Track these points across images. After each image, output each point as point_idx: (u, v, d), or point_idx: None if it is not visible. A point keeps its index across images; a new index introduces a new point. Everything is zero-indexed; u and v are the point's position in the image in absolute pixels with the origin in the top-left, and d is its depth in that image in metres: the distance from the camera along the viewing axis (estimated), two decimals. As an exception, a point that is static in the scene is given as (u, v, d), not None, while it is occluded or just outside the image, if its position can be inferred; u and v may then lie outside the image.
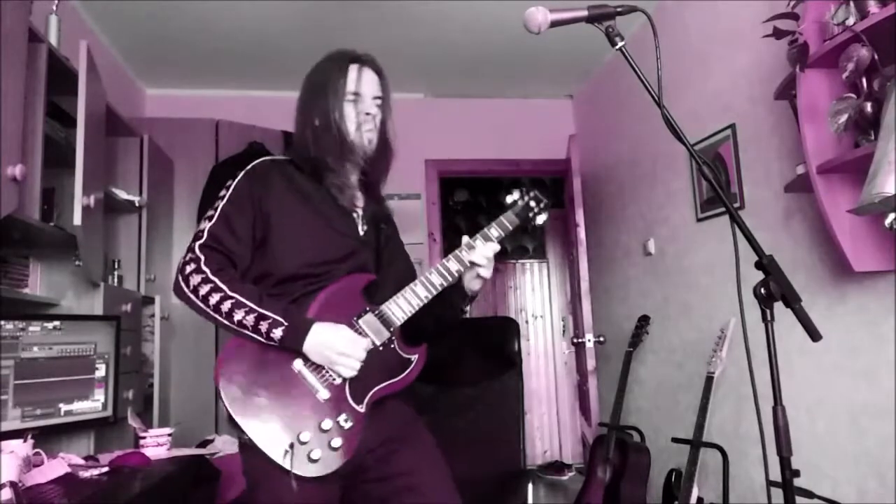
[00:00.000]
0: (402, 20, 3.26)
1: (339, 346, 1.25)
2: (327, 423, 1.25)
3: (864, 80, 1.67)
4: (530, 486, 2.23)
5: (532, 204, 1.53)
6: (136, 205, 2.83)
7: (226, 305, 1.23)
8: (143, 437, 2.07)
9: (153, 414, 2.77)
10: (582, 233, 3.52)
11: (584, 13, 1.14)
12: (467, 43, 3.54)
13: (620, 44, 1.14)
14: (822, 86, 1.84)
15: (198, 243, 1.29)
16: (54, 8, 2.29)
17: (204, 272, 1.25)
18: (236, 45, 3.47)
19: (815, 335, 1.00)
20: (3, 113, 1.68)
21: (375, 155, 1.43)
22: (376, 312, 1.34)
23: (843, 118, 1.67)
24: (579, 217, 3.46)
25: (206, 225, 1.31)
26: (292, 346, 1.25)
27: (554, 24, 1.16)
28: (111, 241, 2.79)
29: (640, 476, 2.81)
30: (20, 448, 1.56)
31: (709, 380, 2.42)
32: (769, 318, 1.02)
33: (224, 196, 1.34)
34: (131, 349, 2.50)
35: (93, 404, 2.09)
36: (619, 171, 3.68)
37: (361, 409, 1.29)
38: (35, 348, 1.91)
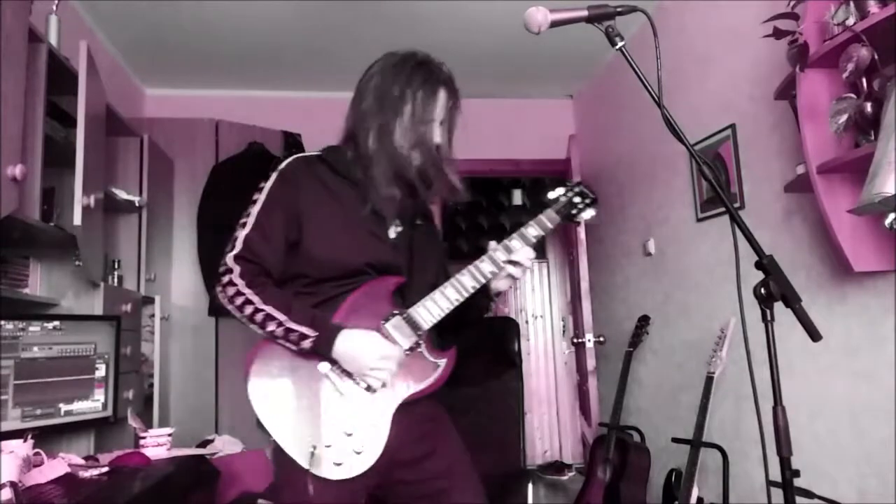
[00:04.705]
0: (402, 20, 3.25)
1: (371, 358, 1.25)
2: (352, 428, 1.25)
3: (864, 80, 1.66)
4: (530, 486, 2.22)
5: (577, 200, 1.42)
6: (136, 205, 2.83)
7: (259, 317, 1.25)
8: (143, 437, 2.07)
9: (153, 414, 2.77)
10: (582, 233, 3.52)
11: (584, 13, 1.14)
12: (467, 43, 3.54)
13: (620, 44, 1.14)
14: (822, 86, 1.83)
15: (232, 254, 1.29)
16: (54, 8, 2.28)
17: (236, 284, 1.26)
18: (236, 45, 3.47)
19: (815, 335, 1.00)
20: (3, 113, 1.68)
21: (427, 170, 1.37)
22: (404, 316, 1.32)
23: (843, 118, 1.67)
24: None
25: (241, 234, 1.30)
26: (322, 353, 1.26)
27: (554, 24, 1.16)
28: (111, 241, 2.79)
29: (640, 476, 2.81)
30: (20, 448, 1.56)
31: (709, 380, 2.42)
32: (769, 318, 1.02)
33: (258, 200, 1.33)
34: (131, 349, 2.50)
35: (93, 404, 2.09)
36: (619, 171, 3.67)
37: (388, 414, 1.29)
38: (35, 348, 1.91)
